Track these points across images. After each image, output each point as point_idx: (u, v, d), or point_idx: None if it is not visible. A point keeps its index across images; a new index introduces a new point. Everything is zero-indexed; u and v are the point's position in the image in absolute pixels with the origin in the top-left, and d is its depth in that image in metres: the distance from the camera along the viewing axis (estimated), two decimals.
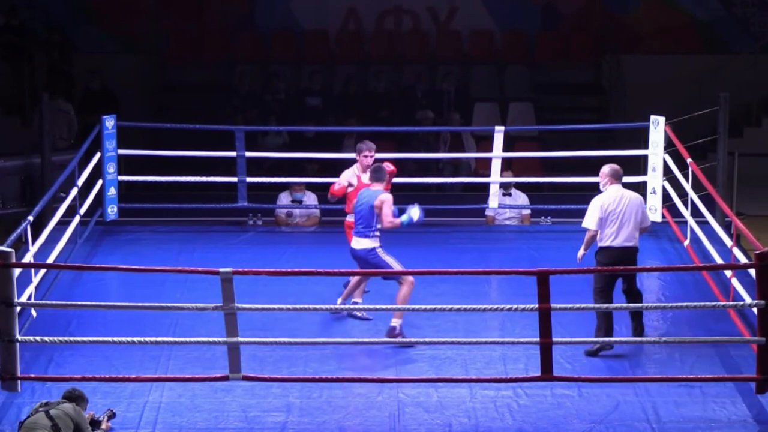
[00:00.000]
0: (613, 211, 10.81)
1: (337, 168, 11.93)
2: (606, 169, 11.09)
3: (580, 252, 11.01)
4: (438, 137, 17.58)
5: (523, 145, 16.87)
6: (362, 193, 11.07)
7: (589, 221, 10.88)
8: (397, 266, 10.87)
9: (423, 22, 19.71)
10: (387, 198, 10.94)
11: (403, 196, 15.36)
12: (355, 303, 11.32)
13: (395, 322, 10.78)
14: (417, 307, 10.15)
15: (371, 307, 10.88)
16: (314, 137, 17.08)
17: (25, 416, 8.92)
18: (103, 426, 9.23)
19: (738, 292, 11.24)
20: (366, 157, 11.68)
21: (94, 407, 9.32)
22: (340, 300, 11.27)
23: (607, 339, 10.53)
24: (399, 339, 10.66)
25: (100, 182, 13.87)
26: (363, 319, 11.31)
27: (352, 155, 12.07)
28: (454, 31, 19.68)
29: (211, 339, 9.92)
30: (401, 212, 11.01)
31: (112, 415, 9.34)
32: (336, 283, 11.76)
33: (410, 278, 10.82)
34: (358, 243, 10.98)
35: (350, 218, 11.50)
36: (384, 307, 10.65)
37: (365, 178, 11.58)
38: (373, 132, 17.17)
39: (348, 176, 11.71)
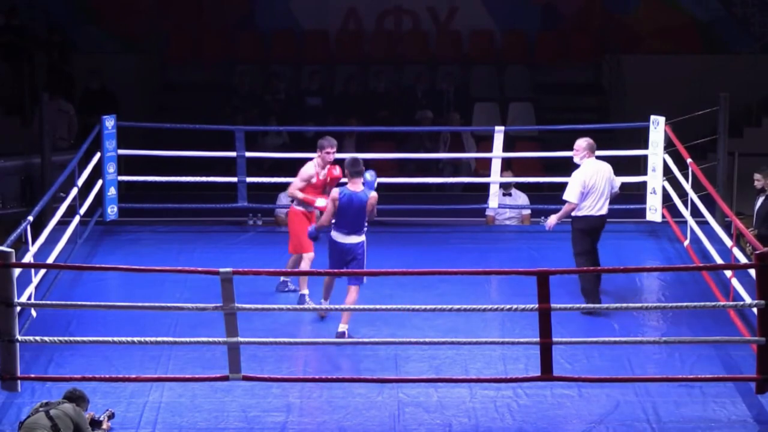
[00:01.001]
0: (593, 185, 11.71)
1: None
2: (583, 143, 11.88)
3: (553, 220, 11.82)
4: (438, 137, 17.59)
5: (523, 145, 16.86)
6: (345, 193, 10.98)
7: (572, 195, 11.66)
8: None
9: (423, 22, 19.70)
10: (376, 197, 11.04)
11: (403, 196, 15.47)
12: (304, 295, 11.48)
13: (344, 327, 10.85)
14: (418, 307, 10.15)
15: (382, 307, 10.85)
16: (314, 137, 17.07)
17: (25, 416, 8.92)
18: (104, 426, 9.23)
19: (738, 292, 11.25)
20: (328, 153, 11.73)
21: (94, 407, 9.32)
22: (324, 302, 11.27)
23: (597, 306, 11.24)
24: (349, 339, 10.76)
25: (100, 182, 13.87)
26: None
27: (352, 155, 12.03)
28: (454, 31, 19.67)
29: (211, 339, 9.92)
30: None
31: (111, 416, 9.34)
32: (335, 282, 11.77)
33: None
34: (349, 239, 11.00)
35: (297, 207, 11.79)
36: (384, 307, 10.63)
37: (323, 174, 11.71)
38: (373, 132, 17.22)
39: (310, 173, 11.73)
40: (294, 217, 11.84)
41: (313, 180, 11.71)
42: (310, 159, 11.87)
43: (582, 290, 11.62)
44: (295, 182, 11.79)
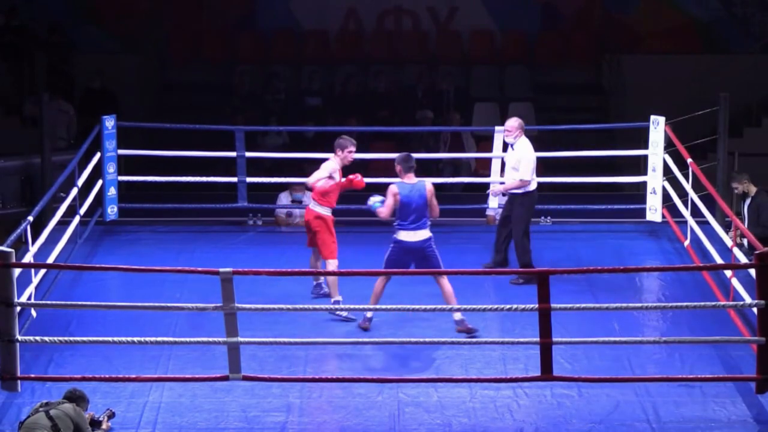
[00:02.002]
0: (535, 161, 12.38)
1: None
2: (516, 122, 12.37)
3: (500, 189, 12.60)
4: (438, 137, 17.59)
5: None
6: (404, 186, 10.96)
7: (529, 173, 12.28)
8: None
9: (423, 22, 19.70)
10: (433, 188, 11.13)
11: None
12: (337, 301, 11.28)
13: (459, 315, 10.91)
14: (417, 307, 10.15)
15: (383, 307, 10.85)
16: (314, 137, 17.09)
17: (25, 416, 8.92)
18: (103, 426, 9.23)
19: (738, 292, 11.24)
20: (351, 152, 11.60)
21: (94, 407, 9.32)
22: (332, 300, 11.23)
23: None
24: (469, 327, 10.80)
25: (100, 182, 13.87)
26: (347, 319, 11.30)
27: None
28: (454, 31, 19.67)
29: (211, 339, 9.93)
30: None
31: (111, 415, 9.34)
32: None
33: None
34: (416, 235, 10.95)
35: (320, 209, 11.49)
36: (385, 307, 10.63)
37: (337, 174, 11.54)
38: (373, 132, 17.22)
39: (331, 169, 11.54)
40: (319, 222, 11.48)
41: (335, 176, 11.55)
42: (310, 159, 11.82)
43: (523, 265, 12.25)
44: (318, 173, 11.45)
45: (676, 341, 10.51)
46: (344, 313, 11.27)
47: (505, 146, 14.42)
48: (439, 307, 9.96)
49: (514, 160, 12.41)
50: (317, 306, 11.09)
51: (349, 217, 14.05)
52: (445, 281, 10.93)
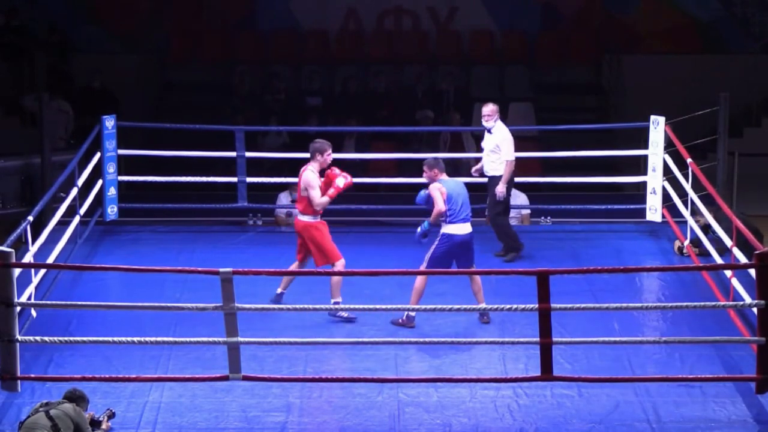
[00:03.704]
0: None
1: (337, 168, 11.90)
2: (494, 107, 13.10)
3: (502, 188, 12.87)
4: (438, 137, 17.59)
5: (523, 145, 16.80)
6: (447, 182, 11.15)
7: (512, 153, 12.96)
8: None
9: (423, 22, 19.72)
10: None
11: (403, 196, 15.46)
12: (337, 302, 11.19)
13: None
14: (417, 307, 10.15)
15: (383, 307, 10.84)
16: (315, 137, 17.05)
17: (25, 416, 8.92)
18: (103, 426, 9.23)
19: (738, 292, 11.24)
20: (329, 155, 11.43)
21: (94, 407, 9.32)
22: (332, 300, 11.20)
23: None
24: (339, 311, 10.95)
25: (100, 182, 13.87)
26: (348, 320, 11.30)
27: (352, 155, 11.97)
28: (454, 31, 19.69)
29: (211, 339, 9.92)
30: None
31: (111, 415, 9.34)
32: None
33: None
34: (465, 227, 11.16)
35: (307, 218, 11.33)
36: (384, 307, 10.63)
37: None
38: (373, 132, 17.23)
39: (316, 183, 11.29)
40: (313, 231, 11.33)
41: (319, 183, 11.39)
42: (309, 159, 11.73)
43: (509, 248, 13.01)
44: (314, 194, 11.25)
45: (676, 341, 10.51)
46: (344, 314, 11.26)
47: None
48: (439, 307, 9.96)
49: (493, 144, 12.88)
50: (317, 306, 11.07)
51: (349, 217, 14.08)
52: (477, 277, 11.19)
